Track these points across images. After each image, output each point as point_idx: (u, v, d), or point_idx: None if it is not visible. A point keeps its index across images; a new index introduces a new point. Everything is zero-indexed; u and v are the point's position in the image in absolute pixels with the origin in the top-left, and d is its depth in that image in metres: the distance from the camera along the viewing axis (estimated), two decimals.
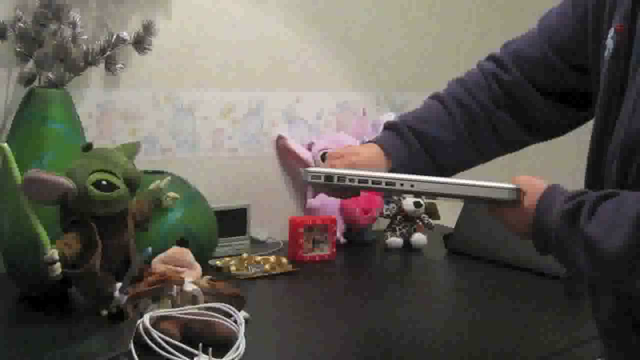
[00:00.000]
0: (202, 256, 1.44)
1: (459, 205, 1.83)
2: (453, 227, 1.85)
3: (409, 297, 1.50)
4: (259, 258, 1.60)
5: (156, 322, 1.10)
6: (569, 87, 1.14)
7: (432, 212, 1.90)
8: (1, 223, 1.32)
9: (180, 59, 1.73)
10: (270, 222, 1.87)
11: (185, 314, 1.13)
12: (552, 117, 1.16)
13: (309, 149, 1.91)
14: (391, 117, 1.96)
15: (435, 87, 1.25)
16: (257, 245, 1.79)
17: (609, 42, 0.98)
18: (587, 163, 1.02)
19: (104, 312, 1.22)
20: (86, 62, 1.46)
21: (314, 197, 1.87)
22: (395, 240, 1.84)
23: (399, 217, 1.86)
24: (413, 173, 1.01)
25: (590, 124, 1.05)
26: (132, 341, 1.04)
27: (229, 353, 1.07)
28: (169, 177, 1.40)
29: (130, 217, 1.29)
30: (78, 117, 1.42)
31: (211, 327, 1.13)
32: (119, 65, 1.55)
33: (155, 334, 1.07)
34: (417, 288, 1.59)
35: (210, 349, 1.02)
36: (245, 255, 1.62)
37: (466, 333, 1.30)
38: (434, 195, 1.00)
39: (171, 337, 1.07)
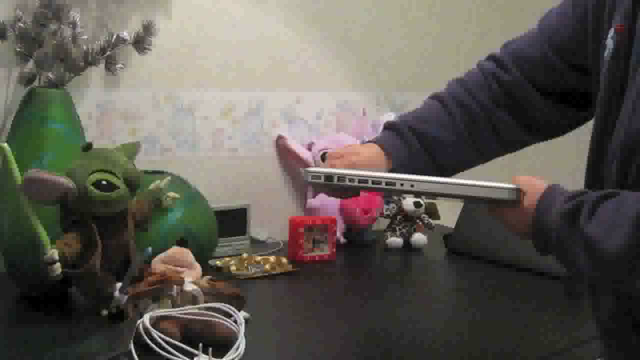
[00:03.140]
0: (202, 256, 1.44)
1: (459, 205, 1.83)
2: (453, 227, 1.85)
3: (409, 297, 1.50)
4: (259, 258, 1.60)
5: (156, 322, 1.10)
6: (569, 87, 1.14)
7: (432, 212, 1.90)
8: (1, 223, 1.32)
9: (180, 59, 1.73)
10: (270, 222, 1.87)
11: (185, 314, 1.13)
12: (552, 117, 1.16)
13: (309, 149, 1.91)
14: (391, 117, 1.96)
15: (435, 87, 1.25)
16: (257, 245, 1.79)
17: (609, 42, 0.97)
18: (587, 163, 1.02)
19: (104, 312, 1.22)
20: (86, 62, 1.46)
21: (314, 197, 1.87)
22: (395, 240, 1.84)
23: (399, 217, 1.86)
24: (413, 173, 1.01)
25: (590, 124, 1.05)
26: (132, 341, 1.04)
27: (229, 353, 1.07)
28: (169, 177, 1.41)
29: (130, 217, 1.29)
30: (78, 117, 1.42)
31: (211, 327, 1.13)
32: (119, 65, 1.55)
33: (155, 334, 1.07)
34: (417, 288, 1.59)
35: (210, 349, 1.02)
36: (245, 255, 1.62)
37: (466, 333, 1.30)
38: (434, 195, 1.00)
39: (171, 337, 1.07)
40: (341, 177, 1.01)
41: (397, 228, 1.86)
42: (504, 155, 1.23)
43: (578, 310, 1.41)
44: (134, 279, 1.22)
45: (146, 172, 1.42)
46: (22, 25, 1.41)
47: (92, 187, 1.20)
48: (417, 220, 1.87)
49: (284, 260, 1.61)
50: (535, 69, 1.15)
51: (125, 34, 1.52)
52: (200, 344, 1.03)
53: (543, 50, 1.13)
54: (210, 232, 1.53)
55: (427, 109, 1.21)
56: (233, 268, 1.54)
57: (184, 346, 1.06)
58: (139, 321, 1.09)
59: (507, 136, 1.18)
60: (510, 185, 0.95)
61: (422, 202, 1.85)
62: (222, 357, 1.05)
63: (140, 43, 1.54)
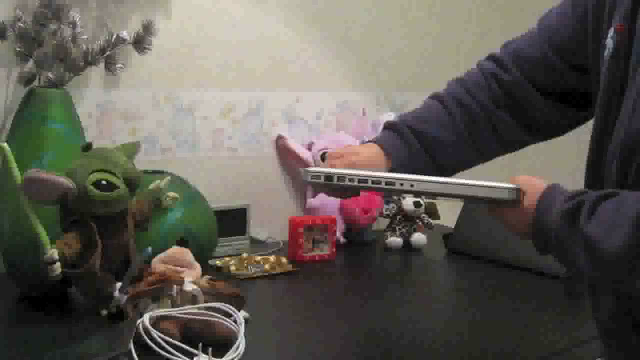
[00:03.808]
0: (202, 256, 1.44)
1: (459, 205, 1.83)
2: (453, 227, 1.85)
3: (409, 297, 1.50)
4: (259, 258, 1.60)
5: (156, 322, 1.10)
6: (569, 87, 1.14)
7: (432, 212, 1.90)
8: (1, 223, 1.32)
9: (180, 59, 1.73)
10: (270, 222, 1.87)
11: (185, 314, 1.13)
12: (552, 117, 1.16)
13: (309, 149, 1.91)
14: (391, 117, 1.96)
15: (435, 87, 1.25)
16: (257, 245, 1.79)
17: (609, 42, 0.98)
18: (587, 163, 1.02)
19: (104, 312, 1.22)
20: (86, 62, 1.46)
21: (314, 197, 1.87)
22: (395, 240, 1.84)
23: (399, 217, 1.86)
24: (413, 173, 1.01)
25: (590, 124, 1.05)
26: (132, 341, 1.04)
27: (229, 353, 1.07)
28: (169, 177, 1.40)
29: (130, 217, 1.29)
30: (78, 117, 1.42)
31: (211, 327, 1.13)
32: (119, 65, 1.55)
33: (155, 334, 1.07)
34: (417, 288, 1.59)
35: (210, 349, 1.02)
36: (245, 255, 1.62)
37: (466, 333, 1.30)
38: (434, 195, 1.00)
39: (171, 337, 1.07)
40: (341, 177, 1.01)
41: (397, 228, 1.86)
42: (504, 155, 1.23)
43: (578, 310, 1.41)
44: (134, 279, 1.22)
45: (146, 172, 1.42)
46: (22, 25, 1.41)
47: (92, 187, 1.20)
48: (417, 220, 1.87)
49: (284, 260, 1.61)
50: (535, 69, 1.15)
51: (125, 34, 1.52)
52: (200, 344, 1.03)
53: (543, 50, 1.13)
54: (210, 232, 1.53)
55: (427, 109, 1.21)
56: (233, 268, 1.54)
57: (184, 346, 1.06)
58: (139, 321, 1.09)
59: (507, 136, 1.18)
60: (510, 185, 0.95)
61: (422, 202, 1.85)
62: (222, 357, 1.05)
63: (140, 43, 1.54)
